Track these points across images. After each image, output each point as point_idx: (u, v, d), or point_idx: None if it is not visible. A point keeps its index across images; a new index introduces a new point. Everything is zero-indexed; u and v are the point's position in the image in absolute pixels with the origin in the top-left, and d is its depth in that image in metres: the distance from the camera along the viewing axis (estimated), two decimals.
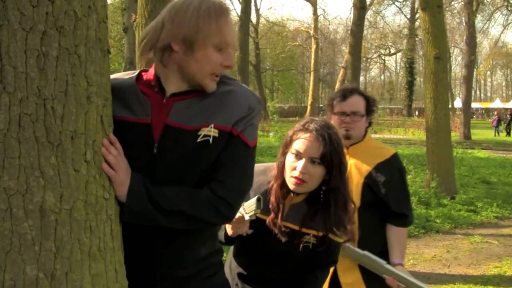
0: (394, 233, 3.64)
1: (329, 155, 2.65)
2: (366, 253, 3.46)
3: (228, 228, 2.74)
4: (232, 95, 2.27)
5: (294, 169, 2.72)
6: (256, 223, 2.76)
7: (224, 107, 2.23)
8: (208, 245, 2.41)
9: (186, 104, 2.22)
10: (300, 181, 2.71)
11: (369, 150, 3.73)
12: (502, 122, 40.97)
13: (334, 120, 3.72)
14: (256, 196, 2.56)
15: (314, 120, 2.79)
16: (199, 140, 2.17)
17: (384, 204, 3.62)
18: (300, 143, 2.73)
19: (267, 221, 2.80)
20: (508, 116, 40.37)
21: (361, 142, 3.75)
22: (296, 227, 2.79)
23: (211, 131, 2.18)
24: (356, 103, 3.68)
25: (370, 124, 3.81)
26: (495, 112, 44.26)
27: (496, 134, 38.85)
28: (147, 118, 2.21)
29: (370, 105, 3.73)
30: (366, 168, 3.64)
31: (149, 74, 2.33)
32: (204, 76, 2.20)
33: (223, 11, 2.19)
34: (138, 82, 2.29)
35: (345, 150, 3.61)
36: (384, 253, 3.58)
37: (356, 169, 3.66)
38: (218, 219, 2.27)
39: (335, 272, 3.62)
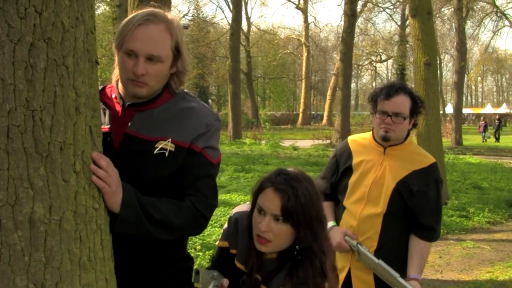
0: (417, 245, 3.46)
1: (294, 212, 2.32)
2: (381, 262, 3.31)
3: None
4: (192, 112, 2.39)
5: (258, 225, 2.40)
6: (237, 273, 2.54)
7: (183, 122, 2.35)
8: (176, 250, 2.50)
9: (147, 115, 2.35)
10: (263, 240, 2.38)
11: (407, 155, 3.53)
12: (491, 128, 40.61)
13: (374, 119, 3.55)
14: (195, 269, 2.32)
15: (284, 170, 2.46)
16: (155, 152, 2.30)
17: (412, 214, 3.46)
18: (263, 197, 2.40)
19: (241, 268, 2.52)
20: (496, 121, 39.68)
21: (401, 145, 3.55)
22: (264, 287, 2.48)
23: (168, 145, 2.31)
24: (401, 103, 3.43)
25: (414, 125, 3.59)
26: (481, 118, 43.46)
27: (484, 140, 38.11)
28: (106, 126, 2.33)
29: (416, 106, 3.49)
30: (400, 173, 3.46)
31: (113, 86, 2.47)
32: (124, 82, 2.32)
33: (145, 20, 2.27)
34: (101, 94, 2.41)
35: (381, 150, 3.53)
36: (403, 266, 3.44)
37: (390, 172, 3.47)
38: (195, 230, 2.42)
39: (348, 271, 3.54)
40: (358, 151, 3.67)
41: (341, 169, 3.70)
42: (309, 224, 2.35)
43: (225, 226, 2.66)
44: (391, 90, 3.46)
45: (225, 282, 2.35)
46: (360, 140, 3.76)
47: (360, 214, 3.51)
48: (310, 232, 2.36)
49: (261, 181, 2.45)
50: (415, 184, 3.42)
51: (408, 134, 3.58)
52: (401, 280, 3.24)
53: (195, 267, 2.49)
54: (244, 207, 2.63)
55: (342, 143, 3.87)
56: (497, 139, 38.46)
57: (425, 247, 3.48)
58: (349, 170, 3.65)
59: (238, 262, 2.52)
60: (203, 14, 58.33)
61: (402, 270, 3.40)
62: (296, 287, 2.38)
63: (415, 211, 3.44)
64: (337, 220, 3.67)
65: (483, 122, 39.97)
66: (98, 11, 36.22)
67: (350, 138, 3.85)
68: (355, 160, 3.63)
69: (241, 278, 2.50)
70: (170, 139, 2.31)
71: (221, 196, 10.93)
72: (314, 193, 2.40)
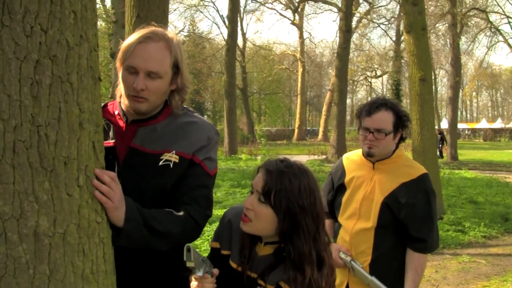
0: (411, 259, 3.45)
1: (275, 194, 2.29)
2: (374, 278, 3.34)
3: None
4: (194, 126, 2.49)
5: (244, 203, 2.40)
6: (229, 274, 2.49)
7: (186, 135, 2.43)
8: (177, 259, 2.45)
9: (151, 129, 2.43)
10: (246, 218, 2.36)
11: (396, 168, 3.52)
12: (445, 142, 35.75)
13: (359, 135, 3.57)
14: (186, 246, 2.19)
15: (282, 158, 2.46)
16: (160, 163, 2.38)
17: (404, 227, 3.44)
18: (255, 177, 2.41)
19: (238, 268, 2.48)
20: (438, 136, 33.52)
21: (389, 159, 3.55)
22: (263, 283, 2.41)
23: (172, 157, 2.39)
24: (382, 119, 3.44)
25: (402, 139, 3.57)
26: (437, 130, 37.72)
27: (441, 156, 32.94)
28: (111, 141, 2.40)
29: (400, 120, 3.49)
30: (389, 187, 3.45)
31: (115, 103, 2.55)
32: (126, 97, 2.39)
33: (146, 38, 2.36)
34: (104, 111, 2.46)
35: (371, 166, 3.54)
36: (400, 279, 3.44)
37: (379, 187, 3.48)
38: (189, 239, 2.45)
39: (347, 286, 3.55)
40: (351, 168, 3.70)
41: (335, 187, 3.75)
42: (291, 212, 2.30)
43: (218, 226, 2.62)
44: (372, 106, 3.49)
45: (216, 270, 2.34)
46: (353, 157, 3.79)
47: (352, 229, 3.53)
48: (290, 221, 2.31)
49: (259, 165, 2.46)
50: (403, 196, 3.42)
51: (397, 147, 3.58)
52: None
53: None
54: (238, 207, 2.59)
55: (338, 161, 3.91)
56: (441, 155, 33.73)
57: (419, 260, 3.46)
58: (342, 187, 3.68)
59: (232, 262, 2.49)
60: (198, 30, 58.64)
61: (399, 284, 3.42)
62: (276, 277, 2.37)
63: (406, 224, 3.43)
64: (336, 237, 3.71)
65: (439, 135, 34.65)
66: None
67: (344, 156, 3.89)
68: (347, 177, 3.66)
69: (233, 279, 2.48)
70: (174, 151, 2.40)
71: (218, 212, 10.93)
72: (306, 185, 2.35)
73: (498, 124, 69.17)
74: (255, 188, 2.37)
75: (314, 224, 2.35)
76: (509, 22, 38.71)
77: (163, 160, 2.38)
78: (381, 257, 3.47)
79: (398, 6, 42.02)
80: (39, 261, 1.75)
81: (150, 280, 2.49)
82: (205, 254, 2.61)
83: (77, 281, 1.86)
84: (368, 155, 3.54)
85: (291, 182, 2.31)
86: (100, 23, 35.23)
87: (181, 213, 2.35)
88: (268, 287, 2.40)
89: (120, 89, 2.45)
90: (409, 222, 3.42)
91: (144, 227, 2.20)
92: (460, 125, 62.63)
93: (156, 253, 2.41)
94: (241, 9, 51.55)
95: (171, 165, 2.39)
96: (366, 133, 3.48)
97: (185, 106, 2.60)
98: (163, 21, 6.53)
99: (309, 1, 48.24)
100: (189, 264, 2.20)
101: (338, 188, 3.72)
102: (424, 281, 7.96)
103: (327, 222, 3.66)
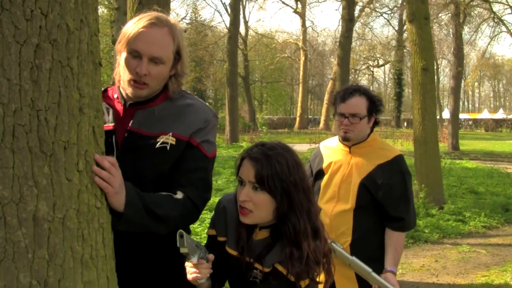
0: (390, 237, 3.59)
1: (269, 179, 2.33)
2: (354, 258, 3.41)
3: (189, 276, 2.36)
4: (192, 108, 2.49)
5: (239, 197, 2.41)
6: (227, 260, 2.52)
7: (183, 118, 2.44)
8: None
9: (149, 112, 2.44)
10: (245, 210, 2.39)
11: (372, 151, 3.66)
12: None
13: (335, 121, 3.71)
14: (178, 232, 2.21)
15: (261, 142, 2.49)
16: (157, 146, 2.38)
17: (382, 207, 3.58)
18: (241, 168, 2.42)
19: (237, 257, 2.50)
20: None
21: (364, 142, 3.68)
22: (259, 266, 2.45)
23: (169, 139, 2.40)
24: (356, 104, 3.58)
25: (376, 123, 3.72)
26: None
27: None
28: (110, 124, 2.42)
29: (374, 105, 3.64)
30: (366, 169, 3.59)
31: (114, 87, 2.55)
32: (126, 81, 2.39)
33: (150, 23, 2.36)
34: (104, 96, 2.48)
35: (347, 150, 3.67)
36: (380, 258, 3.55)
37: (356, 169, 3.61)
38: (187, 221, 2.50)
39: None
40: (328, 154, 3.83)
41: (314, 173, 3.86)
42: (287, 191, 2.36)
43: (213, 214, 2.64)
44: (346, 93, 3.64)
45: (211, 256, 2.37)
46: (330, 144, 3.92)
47: (332, 212, 3.64)
48: (287, 200, 2.37)
49: (241, 154, 2.48)
50: (380, 177, 3.56)
51: (371, 131, 3.72)
52: (373, 275, 3.36)
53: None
54: (231, 194, 2.64)
55: (316, 149, 4.05)
56: None
57: (398, 238, 3.60)
58: (321, 173, 3.80)
59: (229, 248, 2.51)
60: (201, 18, 58.42)
61: (380, 263, 3.52)
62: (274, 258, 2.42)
63: (383, 204, 3.57)
64: None
65: None
66: None
67: (322, 143, 4.03)
68: (325, 163, 3.79)
69: (230, 264, 2.52)
70: (171, 133, 2.41)
71: (218, 199, 10.90)
72: (292, 161, 2.41)
73: (500, 114, 69.05)
74: (246, 179, 2.39)
75: (306, 196, 2.42)
76: None
77: (160, 142, 2.39)
78: (361, 237, 3.58)
79: None
80: (38, 245, 1.75)
81: (149, 266, 2.50)
82: (205, 242, 2.62)
83: (76, 266, 1.86)
84: (344, 139, 3.66)
85: (279, 162, 2.37)
86: (102, 10, 35.19)
87: (179, 196, 2.36)
88: (265, 270, 2.43)
89: (119, 72, 2.45)
90: (386, 202, 3.56)
91: (144, 211, 2.20)
92: (462, 115, 62.46)
93: (155, 239, 2.42)
94: None
95: (168, 147, 2.40)
96: (341, 119, 3.62)
97: (183, 89, 2.60)
98: (165, 8, 6.51)
99: None
100: (183, 250, 2.22)
101: (317, 174, 3.84)
102: (424, 270, 8.00)
103: None
